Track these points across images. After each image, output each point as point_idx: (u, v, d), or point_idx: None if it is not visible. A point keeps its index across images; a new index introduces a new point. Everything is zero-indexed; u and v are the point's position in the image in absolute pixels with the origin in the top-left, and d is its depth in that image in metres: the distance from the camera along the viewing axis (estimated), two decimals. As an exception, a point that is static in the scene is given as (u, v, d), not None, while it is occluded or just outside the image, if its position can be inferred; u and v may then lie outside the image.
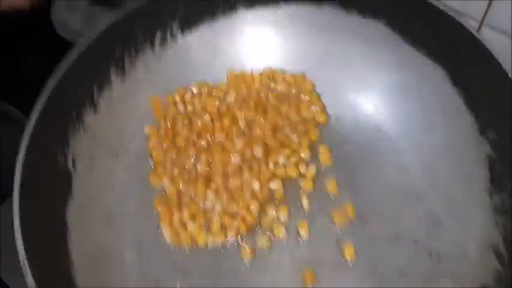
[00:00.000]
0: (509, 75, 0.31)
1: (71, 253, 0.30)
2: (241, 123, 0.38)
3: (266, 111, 0.38)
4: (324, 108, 0.39)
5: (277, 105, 0.38)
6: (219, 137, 0.37)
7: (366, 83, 0.39)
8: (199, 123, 0.37)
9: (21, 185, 0.29)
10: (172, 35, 0.38)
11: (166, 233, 0.34)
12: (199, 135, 0.37)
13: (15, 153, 0.29)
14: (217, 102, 0.38)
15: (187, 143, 0.37)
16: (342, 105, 0.40)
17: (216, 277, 0.33)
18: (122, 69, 0.37)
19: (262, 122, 0.37)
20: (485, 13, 0.38)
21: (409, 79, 0.37)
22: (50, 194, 0.31)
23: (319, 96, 0.39)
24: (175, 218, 0.34)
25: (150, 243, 0.34)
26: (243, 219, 0.34)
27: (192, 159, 0.36)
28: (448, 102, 0.35)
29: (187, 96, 0.39)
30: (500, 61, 0.31)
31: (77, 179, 0.33)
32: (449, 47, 0.35)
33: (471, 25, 0.33)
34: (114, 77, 0.36)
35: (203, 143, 0.37)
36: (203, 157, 0.36)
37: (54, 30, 0.41)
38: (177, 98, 0.39)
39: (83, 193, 0.33)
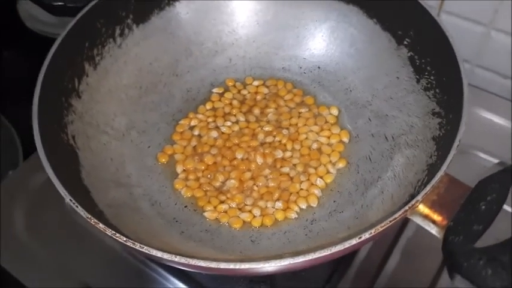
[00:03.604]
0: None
1: (99, 205, 0.34)
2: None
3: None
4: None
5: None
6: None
7: (300, 37, 0.47)
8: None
9: (47, 158, 0.32)
10: (129, 28, 0.44)
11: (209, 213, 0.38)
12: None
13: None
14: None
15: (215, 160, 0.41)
16: (286, 58, 0.47)
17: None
18: (92, 60, 0.41)
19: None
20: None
21: (333, 24, 0.46)
22: (67, 164, 0.35)
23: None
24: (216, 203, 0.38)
25: (158, 195, 0.39)
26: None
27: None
28: (367, 30, 0.44)
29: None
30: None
31: (80, 153, 0.37)
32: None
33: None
34: (87, 67, 0.41)
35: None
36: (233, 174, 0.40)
37: (23, 25, 0.44)
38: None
39: (89, 163, 0.37)
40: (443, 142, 0.35)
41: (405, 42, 0.42)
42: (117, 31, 0.43)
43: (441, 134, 0.36)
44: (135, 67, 0.44)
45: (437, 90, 0.38)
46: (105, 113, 0.41)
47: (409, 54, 0.41)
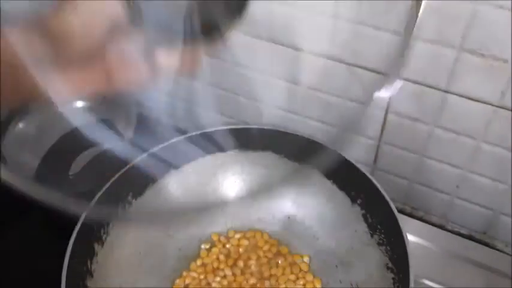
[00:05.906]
0: (356, 165, 0.50)
1: None
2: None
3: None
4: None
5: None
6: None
7: (275, 197, 0.56)
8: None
9: None
10: (129, 203, 0.51)
11: None
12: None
13: None
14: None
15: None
16: (260, 210, 0.56)
17: None
18: (100, 239, 0.48)
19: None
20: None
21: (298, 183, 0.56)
22: None
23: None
24: None
25: None
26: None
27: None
28: (325, 189, 0.54)
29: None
30: (349, 158, 0.51)
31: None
32: (319, 162, 0.53)
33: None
34: (96, 247, 0.48)
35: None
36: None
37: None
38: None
39: None
40: (398, 298, 0.45)
41: (358, 202, 0.52)
42: (120, 208, 0.50)
43: (395, 288, 0.46)
44: (135, 235, 0.51)
45: (388, 247, 0.48)
46: (112, 285, 0.48)
47: (362, 212, 0.51)
